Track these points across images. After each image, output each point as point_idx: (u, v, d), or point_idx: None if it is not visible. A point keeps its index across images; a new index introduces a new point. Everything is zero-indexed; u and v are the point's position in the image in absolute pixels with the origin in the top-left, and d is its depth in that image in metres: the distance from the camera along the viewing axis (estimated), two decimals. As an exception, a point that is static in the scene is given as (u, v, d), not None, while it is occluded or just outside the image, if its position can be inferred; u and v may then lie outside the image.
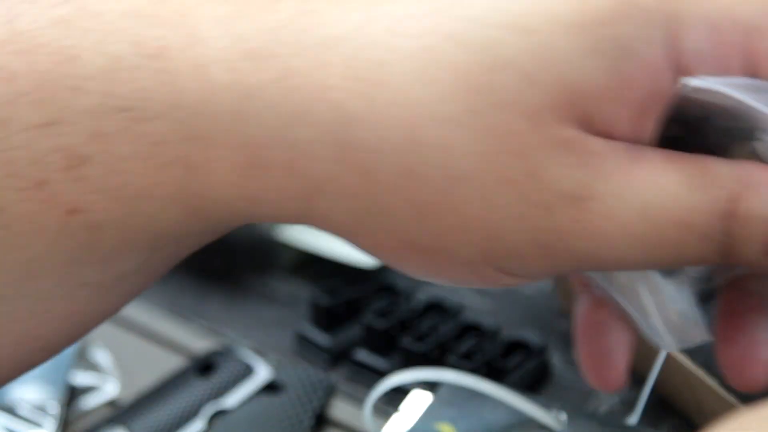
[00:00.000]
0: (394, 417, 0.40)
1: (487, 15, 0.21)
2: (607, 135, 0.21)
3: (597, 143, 0.21)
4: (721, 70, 0.22)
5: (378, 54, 0.22)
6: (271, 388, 0.45)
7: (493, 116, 0.21)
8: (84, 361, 0.47)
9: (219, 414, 0.44)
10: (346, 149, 0.22)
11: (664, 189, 0.21)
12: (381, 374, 0.44)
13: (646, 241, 0.21)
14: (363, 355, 0.47)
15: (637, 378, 0.45)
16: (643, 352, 0.43)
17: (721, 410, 0.38)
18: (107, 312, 0.26)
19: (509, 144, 0.21)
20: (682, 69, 0.22)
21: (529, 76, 0.21)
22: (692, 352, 0.40)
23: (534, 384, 0.46)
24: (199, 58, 0.22)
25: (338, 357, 0.48)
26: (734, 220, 0.21)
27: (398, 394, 0.41)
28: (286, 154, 0.22)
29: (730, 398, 0.38)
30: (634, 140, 0.22)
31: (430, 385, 0.40)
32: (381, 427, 0.40)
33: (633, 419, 0.40)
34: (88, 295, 0.25)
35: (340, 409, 0.45)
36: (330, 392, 0.45)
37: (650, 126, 0.22)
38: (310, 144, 0.22)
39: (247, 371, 0.46)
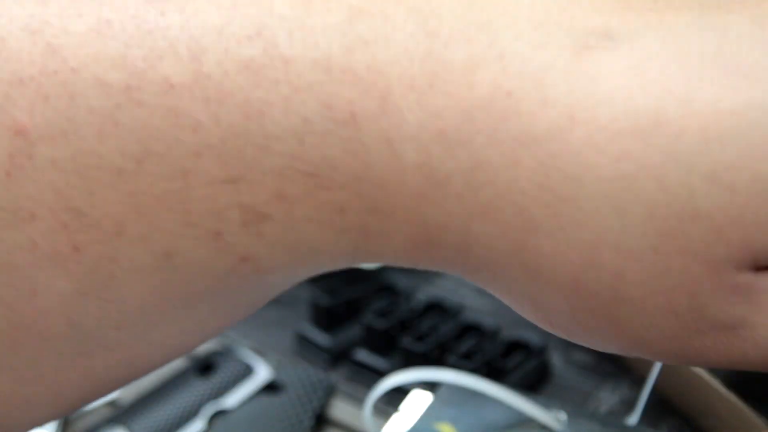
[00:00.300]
0: (394, 417, 0.40)
1: (692, 159, 0.21)
2: None
3: (764, 281, 0.22)
4: None
5: (572, 168, 0.21)
6: (271, 388, 0.45)
7: (674, 259, 0.21)
8: (84, 361, 0.47)
9: (219, 414, 0.44)
10: (522, 251, 0.22)
11: None
12: (381, 374, 0.44)
13: None
14: (363, 355, 0.47)
15: (637, 378, 0.45)
16: (643, 352, 0.43)
17: (722, 410, 0.38)
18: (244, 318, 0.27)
19: (683, 284, 0.22)
20: None
21: (721, 233, 0.21)
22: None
23: (534, 384, 0.46)
24: (390, 132, 0.21)
25: (338, 357, 0.48)
26: None
27: (398, 394, 0.41)
28: (463, 240, 0.22)
29: (731, 398, 0.38)
30: None
31: (430, 385, 0.40)
32: (381, 427, 0.40)
33: (633, 419, 0.40)
34: (239, 312, 0.25)
35: (340, 409, 0.45)
36: (330, 392, 0.45)
37: None
38: (488, 237, 0.22)
39: (247, 371, 0.46)
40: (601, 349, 0.24)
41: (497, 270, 0.23)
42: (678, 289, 0.22)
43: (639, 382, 0.43)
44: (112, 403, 0.46)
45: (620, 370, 0.46)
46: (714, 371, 0.39)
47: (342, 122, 0.21)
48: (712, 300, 0.22)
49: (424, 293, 0.52)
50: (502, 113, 0.21)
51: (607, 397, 0.45)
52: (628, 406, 0.44)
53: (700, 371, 0.40)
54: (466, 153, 0.21)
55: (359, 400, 0.44)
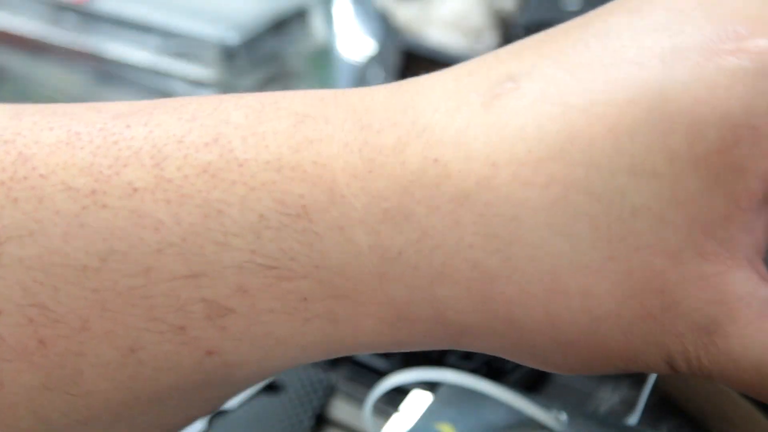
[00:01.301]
0: (394, 417, 0.40)
1: (609, 161, 0.21)
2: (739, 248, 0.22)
3: (738, 284, 0.22)
4: None
5: (508, 209, 0.22)
6: (271, 388, 0.45)
7: (632, 260, 0.21)
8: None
9: (219, 414, 0.44)
10: (490, 302, 0.22)
11: None
12: (381, 374, 0.44)
13: (749, 385, 0.23)
14: (363, 355, 0.47)
15: (637, 378, 0.45)
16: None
17: (722, 409, 0.38)
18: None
19: (650, 283, 0.22)
20: None
21: (663, 220, 0.21)
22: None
23: (534, 384, 0.46)
24: (341, 219, 0.22)
25: (338, 357, 0.48)
26: None
27: (398, 394, 0.41)
28: (432, 309, 0.23)
29: (732, 397, 0.37)
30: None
31: (430, 385, 0.40)
32: (381, 427, 0.40)
33: (633, 419, 0.40)
34: (209, 406, 0.26)
35: (340, 409, 0.45)
36: (330, 392, 0.45)
37: None
38: (454, 300, 0.23)
39: (247, 371, 0.46)
40: (611, 372, 0.24)
41: (477, 330, 0.23)
42: (646, 289, 0.22)
43: (639, 382, 0.43)
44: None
45: (620, 370, 0.46)
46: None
47: (295, 216, 0.22)
48: (683, 295, 0.22)
49: (424, 293, 0.51)
50: (434, 180, 0.22)
51: (607, 397, 0.45)
52: (628, 406, 0.44)
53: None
54: (411, 226, 0.22)
55: (359, 400, 0.44)
